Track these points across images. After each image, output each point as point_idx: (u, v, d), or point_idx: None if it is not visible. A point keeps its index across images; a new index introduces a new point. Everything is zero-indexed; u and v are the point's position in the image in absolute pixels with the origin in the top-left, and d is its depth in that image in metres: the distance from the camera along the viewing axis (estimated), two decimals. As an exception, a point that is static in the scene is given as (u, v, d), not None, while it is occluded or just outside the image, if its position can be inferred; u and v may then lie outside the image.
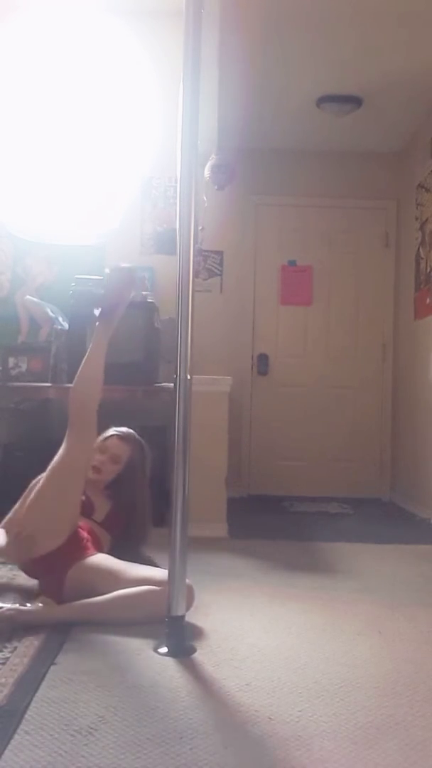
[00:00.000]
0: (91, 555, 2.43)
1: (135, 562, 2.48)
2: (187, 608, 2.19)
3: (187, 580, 2.17)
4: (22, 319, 4.48)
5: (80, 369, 2.51)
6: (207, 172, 4.73)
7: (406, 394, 5.21)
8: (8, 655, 2.01)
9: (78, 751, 1.52)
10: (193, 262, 2.12)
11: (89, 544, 2.48)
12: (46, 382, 3.74)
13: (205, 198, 4.60)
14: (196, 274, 2.19)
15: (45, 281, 4.60)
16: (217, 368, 4.24)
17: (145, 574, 2.37)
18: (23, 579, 2.60)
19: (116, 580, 2.35)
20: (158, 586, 2.26)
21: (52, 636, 2.15)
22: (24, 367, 3.87)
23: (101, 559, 2.45)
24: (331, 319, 5.53)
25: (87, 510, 2.62)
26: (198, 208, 2.17)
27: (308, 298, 5.52)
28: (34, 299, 4.38)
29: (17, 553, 2.49)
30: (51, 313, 4.23)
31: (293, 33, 3.80)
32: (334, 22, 3.67)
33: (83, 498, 2.56)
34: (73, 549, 2.42)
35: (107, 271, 2.80)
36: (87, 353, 2.53)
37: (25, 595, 2.51)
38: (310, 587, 2.83)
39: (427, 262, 4.79)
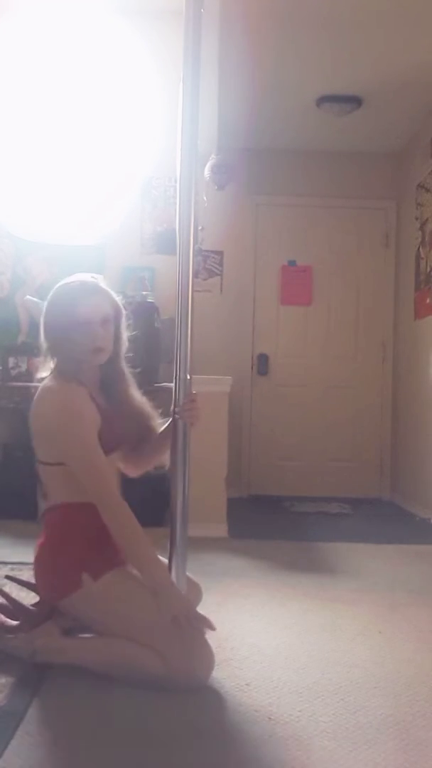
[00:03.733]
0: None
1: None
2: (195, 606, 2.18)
3: (194, 578, 2.17)
4: (22, 319, 4.48)
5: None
6: (207, 172, 4.73)
7: (406, 394, 5.21)
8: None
9: (78, 752, 1.52)
10: (193, 262, 2.12)
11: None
12: (46, 382, 3.73)
13: (205, 198, 4.60)
14: (196, 274, 2.19)
15: (45, 281, 4.61)
16: (217, 368, 4.23)
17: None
18: (28, 576, 2.59)
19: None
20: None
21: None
22: (24, 367, 3.87)
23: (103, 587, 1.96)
24: (331, 319, 5.53)
25: None
26: (198, 208, 2.16)
27: (308, 298, 5.51)
28: (34, 299, 4.38)
29: None
30: (51, 313, 4.23)
31: (293, 33, 3.80)
32: (334, 22, 3.66)
33: None
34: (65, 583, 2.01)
35: None
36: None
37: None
38: (310, 587, 2.83)
39: (427, 262, 4.79)
